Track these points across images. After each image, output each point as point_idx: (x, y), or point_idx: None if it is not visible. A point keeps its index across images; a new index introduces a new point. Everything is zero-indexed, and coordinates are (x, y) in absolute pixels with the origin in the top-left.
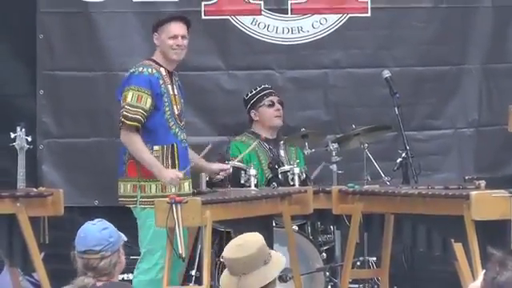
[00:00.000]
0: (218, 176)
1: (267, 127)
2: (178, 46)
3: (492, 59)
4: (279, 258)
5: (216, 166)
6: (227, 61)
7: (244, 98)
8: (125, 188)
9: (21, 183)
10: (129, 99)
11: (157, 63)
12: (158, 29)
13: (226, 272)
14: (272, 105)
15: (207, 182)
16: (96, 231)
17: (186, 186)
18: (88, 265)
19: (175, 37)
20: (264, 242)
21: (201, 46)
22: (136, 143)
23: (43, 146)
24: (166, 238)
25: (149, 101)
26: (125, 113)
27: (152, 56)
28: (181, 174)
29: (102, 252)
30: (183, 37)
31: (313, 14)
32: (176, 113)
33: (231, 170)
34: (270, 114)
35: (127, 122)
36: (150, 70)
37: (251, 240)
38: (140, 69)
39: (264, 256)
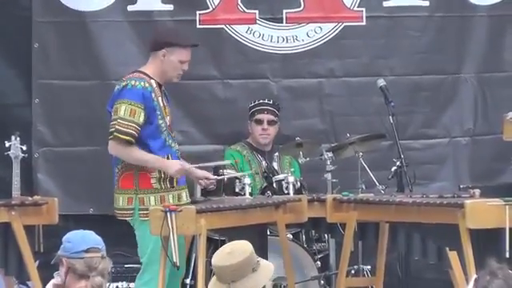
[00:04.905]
0: (204, 184)
1: (257, 141)
2: (183, 70)
3: (487, 68)
4: (268, 266)
5: (201, 173)
6: (222, 70)
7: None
8: (118, 200)
9: (15, 192)
10: (121, 113)
11: (148, 76)
12: (169, 46)
13: (213, 280)
14: (260, 123)
15: (202, 190)
16: (91, 233)
17: (184, 196)
18: (91, 264)
19: (184, 62)
20: (252, 249)
21: (196, 55)
22: (132, 151)
23: (38, 154)
24: None
25: (142, 115)
26: (117, 126)
27: (142, 67)
28: (186, 165)
29: (102, 252)
30: (188, 62)
31: (308, 23)
32: (167, 124)
33: (215, 182)
34: (256, 132)
35: (120, 135)
36: (142, 83)
37: (240, 248)
38: (133, 82)
39: (253, 263)
